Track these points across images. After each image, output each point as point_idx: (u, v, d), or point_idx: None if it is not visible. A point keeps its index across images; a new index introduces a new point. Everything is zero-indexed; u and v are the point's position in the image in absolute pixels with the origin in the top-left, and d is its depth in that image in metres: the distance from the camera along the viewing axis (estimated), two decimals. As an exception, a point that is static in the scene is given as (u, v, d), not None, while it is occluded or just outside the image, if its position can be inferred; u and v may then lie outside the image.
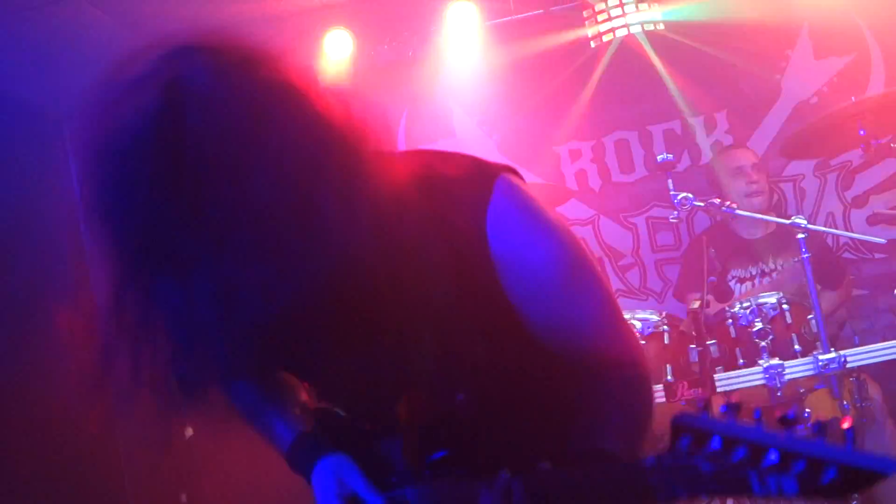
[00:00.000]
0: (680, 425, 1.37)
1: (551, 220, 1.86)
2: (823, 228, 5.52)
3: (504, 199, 1.83)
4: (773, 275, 5.80)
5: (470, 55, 6.91)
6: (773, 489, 1.30)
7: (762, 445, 1.30)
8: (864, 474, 1.26)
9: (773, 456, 1.29)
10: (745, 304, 5.04)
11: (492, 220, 1.81)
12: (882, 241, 5.06)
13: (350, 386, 2.00)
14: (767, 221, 5.48)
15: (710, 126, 7.19)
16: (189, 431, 6.37)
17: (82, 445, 5.91)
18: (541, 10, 6.83)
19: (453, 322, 1.78)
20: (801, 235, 4.77)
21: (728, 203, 5.11)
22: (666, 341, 5.10)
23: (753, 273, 5.82)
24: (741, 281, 5.79)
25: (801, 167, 7.01)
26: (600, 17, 6.53)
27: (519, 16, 6.83)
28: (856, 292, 6.37)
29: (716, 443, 1.33)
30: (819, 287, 4.96)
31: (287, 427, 2.12)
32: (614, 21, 6.43)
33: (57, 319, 2.10)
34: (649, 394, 1.98)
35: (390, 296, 1.65)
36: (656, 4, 6.55)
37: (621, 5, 6.42)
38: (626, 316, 4.91)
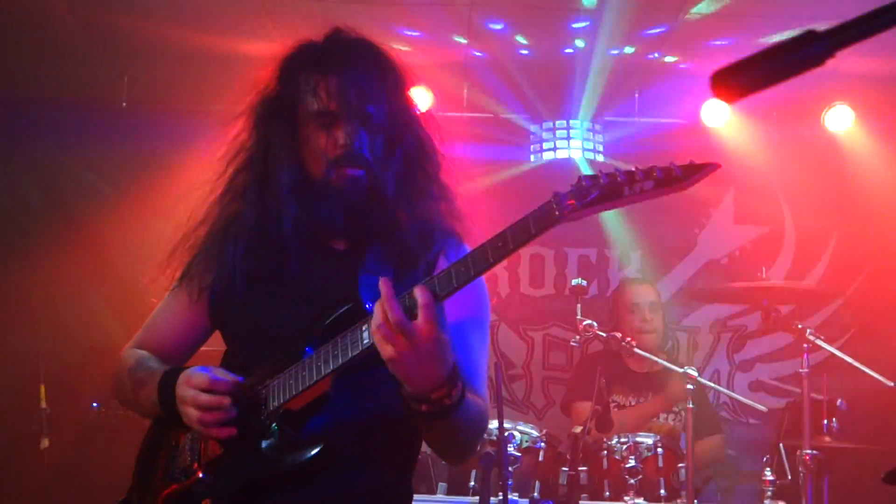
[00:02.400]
0: (581, 176, 1.95)
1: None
2: (713, 385, 5.71)
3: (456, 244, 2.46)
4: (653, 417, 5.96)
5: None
6: (637, 190, 1.88)
7: (635, 171, 1.90)
8: (699, 167, 1.87)
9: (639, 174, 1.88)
10: (622, 439, 5.18)
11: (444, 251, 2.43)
12: (763, 408, 5.27)
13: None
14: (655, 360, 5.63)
15: (624, 262, 7.42)
16: (45, 442, 6.23)
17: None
18: (490, 115, 7.03)
19: None
20: (690, 386, 4.94)
21: (628, 340, 5.28)
22: (540, 458, 5.20)
23: (632, 403, 5.96)
24: (620, 408, 5.93)
25: (699, 320, 7.26)
26: (545, 136, 6.73)
27: (469, 114, 7.01)
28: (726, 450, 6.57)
29: (604, 175, 1.92)
30: (694, 438, 5.11)
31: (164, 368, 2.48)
32: (558, 142, 6.64)
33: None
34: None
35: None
36: (601, 134, 6.79)
37: (568, 129, 6.64)
38: (508, 425, 5.07)
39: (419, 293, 2.00)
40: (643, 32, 6.32)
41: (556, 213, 1.93)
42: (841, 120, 7.00)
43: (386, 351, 2.00)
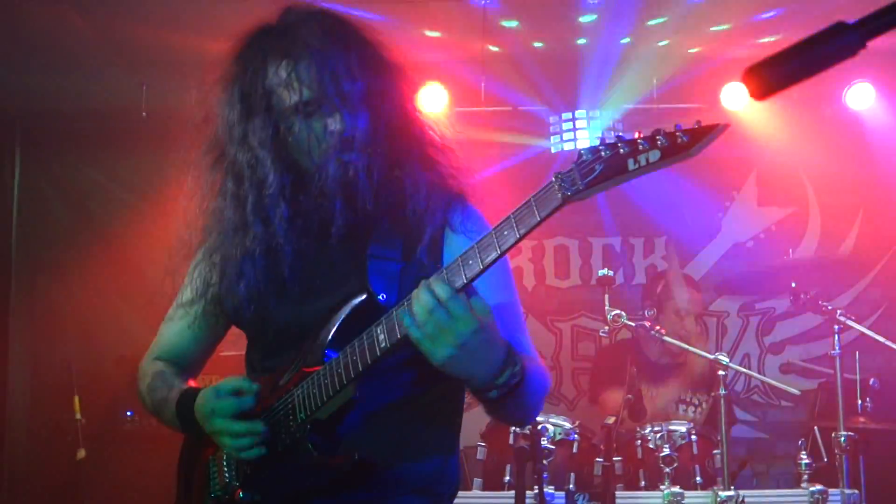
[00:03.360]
0: (582, 150, 1.86)
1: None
2: (743, 369, 5.70)
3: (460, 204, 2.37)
4: (687, 404, 5.94)
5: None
6: (643, 162, 1.78)
7: (638, 139, 1.80)
8: (707, 129, 1.76)
9: (642, 141, 1.78)
10: (656, 428, 5.16)
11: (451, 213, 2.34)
12: (796, 391, 5.25)
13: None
14: (679, 350, 5.60)
15: (648, 249, 7.40)
16: (81, 453, 6.27)
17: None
18: (509, 108, 7.02)
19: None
20: (721, 372, 4.93)
21: (658, 328, 5.27)
22: (574, 450, 5.18)
23: (671, 399, 5.94)
24: (658, 404, 5.91)
25: (726, 304, 7.23)
26: (565, 126, 6.71)
27: (487, 108, 7.00)
28: (758, 436, 6.55)
29: (604, 148, 1.82)
30: (727, 424, 5.09)
31: (181, 386, 2.50)
32: (578, 132, 6.62)
33: None
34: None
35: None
36: (621, 122, 6.77)
37: (588, 119, 6.62)
38: (540, 418, 5.07)
39: (439, 288, 1.95)
40: (654, 20, 6.31)
41: (559, 195, 1.86)
42: (862, 98, 6.94)
43: (440, 352, 1.96)
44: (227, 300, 2.42)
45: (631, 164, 1.79)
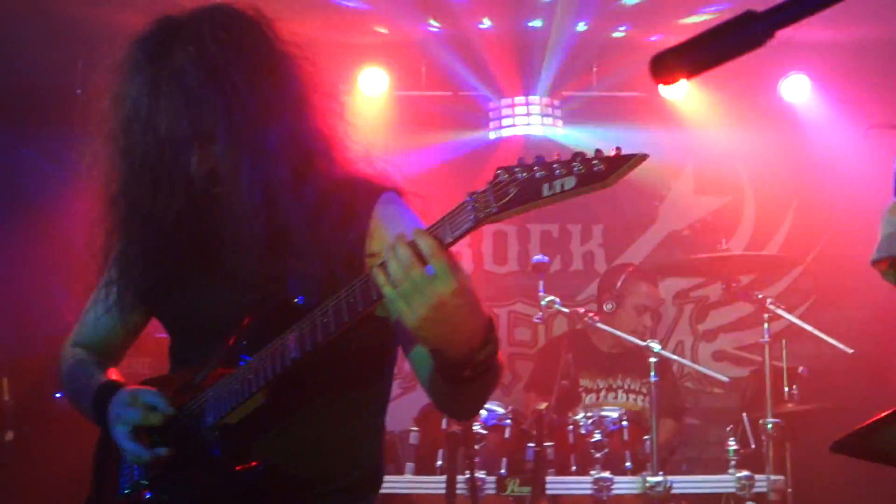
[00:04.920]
0: (499, 170, 1.82)
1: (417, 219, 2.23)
2: (675, 357, 5.78)
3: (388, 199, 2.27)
4: (619, 391, 6.01)
5: (376, 121, 7.00)
6: (557, 189, 1.75)
7: (554, 163, 1.78)
8: (625, 159, 1.73)
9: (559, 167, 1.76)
10: (588, 414, 5.22)
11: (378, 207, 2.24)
12: (725, 378, 5.33)
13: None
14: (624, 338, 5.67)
15: (585, 236, 7.45)
16: (9, 435, 6.17)
17: None
18: (449, 92, 7.01)
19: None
20: (653, 359, 4.99)
21: (591, 314, 5.32)
22: (506, 435, 5.20)
23: (601, 386, 6.01)
24: (587, 391, 5.97)
25: (661, 291, 7.30)
26: (504, 111, 6.72)
27: (428, 92, 6.98)
28: (689, 421, 6.63)
29: (521, 169, 1.79)
30: (659, 411, 5.15)
31: (100, 378, 2.45)
32: (517, 119, 6.64)
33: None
34: None
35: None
36: (559, 109, 6.79)
37: (527, 105, 6.64)
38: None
39: (422, 243, 1.83)
40: (602, 6, 6.33)
41: (472, 216, 1.82)
42: (798, 90, 7.04)
43: (415, 312, 1.82)
44: (138, 289, 2.36)
45: (545, 190, 1.76)
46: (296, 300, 2.11)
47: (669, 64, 1.14)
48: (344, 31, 6.59)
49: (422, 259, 1.81)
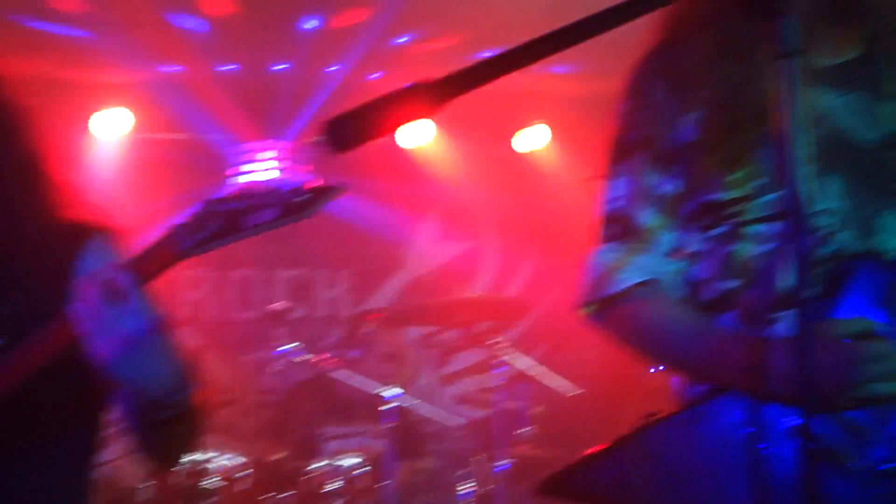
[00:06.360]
0: (203, 202, 1.80)
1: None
2: (414, 402, 5.84)
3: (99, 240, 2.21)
4: (361, 437, 6.02)
5: (114, 164, 6.78)
6: (259, 220, 1.76)
7: (255, 194, 1.79)
8: (325, 190, 1.76)
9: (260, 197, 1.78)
10: (329, 461, 5.20)
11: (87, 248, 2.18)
12: (461, 420, 5.45)
13: None
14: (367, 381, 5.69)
15: (331, 281, 7.46)
16: None
17: None
18: (193, 135, 6.89)
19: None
20: (393, 405, 5.03)
21: (334, 361, 5.33)
22: (247, 486, 5.11)
23: (342, 433, 5.99)
24: (328, 439, 5.94)
25: (410, 335, 7.39)
26: (247, 157, 6.64)
27: (171, 135, 6.84)
28: (430, 464, 6.71)
29: (221, 204, 1.79)
30: (399, 456, 5.20)
31: None
32: (259, 164, 6.56)
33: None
34: None
35: None
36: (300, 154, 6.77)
37: (269, 149, 6.58)
38: (213, 454, 4.98)
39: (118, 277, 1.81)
40: (351, 52, 6.40)
41: (171, 251, 1.80)
42: (537, 138, 7.34)
43: (110, 346, 1.79)
44: None
45: (247, 221, 1.77)
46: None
47: (341, 130, 1.16)
48: (81, 71, 6.37)
49: (117, 296, 1.79)
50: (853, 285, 1.80)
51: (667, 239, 1.99)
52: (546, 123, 7.30)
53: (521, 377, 5.99)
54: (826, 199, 1.84)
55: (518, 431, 5.79)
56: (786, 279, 1.64)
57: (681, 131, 1.95)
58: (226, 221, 1.77)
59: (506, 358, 5.65)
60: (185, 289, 7.24)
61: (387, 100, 1.14)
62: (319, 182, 1.77)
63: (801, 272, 1.42)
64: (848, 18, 1.89)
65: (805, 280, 1.43)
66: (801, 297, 1.43)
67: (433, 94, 1.15)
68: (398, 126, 1.15)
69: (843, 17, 1.88)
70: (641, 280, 1.99)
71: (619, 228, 2.04)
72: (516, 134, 7.35)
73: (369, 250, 7.40)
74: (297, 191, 1.76)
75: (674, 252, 2.00)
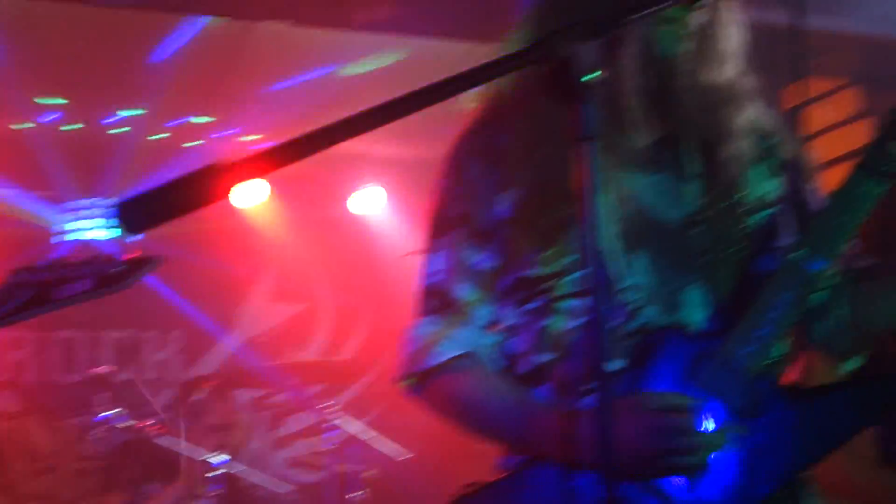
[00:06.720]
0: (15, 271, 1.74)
1: None
2: (242, 467, 5.73)
3: None
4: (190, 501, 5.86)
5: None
6: (72, 291, 1.69)
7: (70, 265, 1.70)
8: (142, 262, 1.71)
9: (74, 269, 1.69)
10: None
11: None
12: (288, 487, 5.38)
13: None
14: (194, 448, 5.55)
15: (161, 343, 7.27)
16: None
17: None
18: (15, 191, 6.66)
19: None
20: (219, 472, 4.92)
21: (148, 426, 5.21)
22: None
23: (170, 501, 5.82)
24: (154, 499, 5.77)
25: (241, 398, 7.25)
26: (69, 216, 6.48)
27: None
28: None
29: (33, 274, 1.73)
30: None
31: None
32: (83, 222, 6.42)
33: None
34: None
35: None
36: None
37: (91, 208, 6.45)
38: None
39: None
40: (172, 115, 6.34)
41: None
42: (373, 200, 7.38)
43: None
44: None
45: (59, 293, 1.73)
46: None
47: (135, 212, 1.13)
48: None
49: None
50: (659, 358, 1.86)
51: (484, 313, 2.02)
52: (381, 186, 7.35)
53: (353, 441, 5.94)
54: (633, 275, 1.90)
55: (350, 495, 5.72)
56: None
57: (497, 209, 1.98)
58: (37, 292, 1.71)
59: (337, 422, 5.62)
60: (4, 350, 6.93)
61: (181, 182, 1.12)
62: (136, 253, 1.74)
63: (601, 345, 1.45)
64: (654, 104, 1.96)
65: (605, 353, 1.47)
66: (601, 369, 1.46)
67: (229, 175, 1.14)
68: (194, 209, 1.13)
69: (650, 103, 1.95)
70: (459, 353, 2.01)
71: (438, 302, 2.07)
72: (352, 195, 7.37)
73: (201, 309, 7.24)
74: (112, 262, 1.72)
75: (491, 325, 2.03)
